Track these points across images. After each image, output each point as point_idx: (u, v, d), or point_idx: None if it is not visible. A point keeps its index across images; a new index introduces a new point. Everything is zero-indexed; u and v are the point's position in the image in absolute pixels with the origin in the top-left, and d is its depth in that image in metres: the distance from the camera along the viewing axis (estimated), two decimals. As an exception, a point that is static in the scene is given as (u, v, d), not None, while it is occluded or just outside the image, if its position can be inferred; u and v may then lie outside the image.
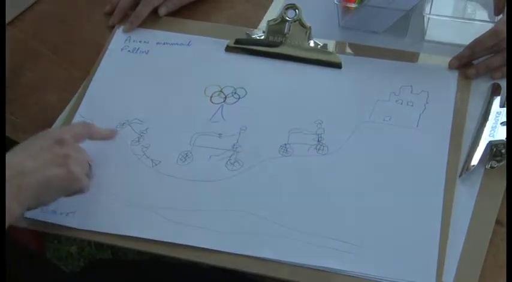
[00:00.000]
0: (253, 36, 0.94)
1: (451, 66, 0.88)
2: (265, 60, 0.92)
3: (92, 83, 0.92)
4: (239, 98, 0.88)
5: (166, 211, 0.77)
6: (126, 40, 0.98)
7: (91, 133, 0.79)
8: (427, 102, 0.85)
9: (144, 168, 0.82)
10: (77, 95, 0.92)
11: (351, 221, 0.74)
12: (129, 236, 0.76)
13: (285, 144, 0.82)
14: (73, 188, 0.72)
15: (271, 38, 0.93)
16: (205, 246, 0.74)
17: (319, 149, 0.81)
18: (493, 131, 0.80)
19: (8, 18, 1.04)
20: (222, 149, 0.82)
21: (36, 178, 0.68)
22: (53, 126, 0.88)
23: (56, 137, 0.73)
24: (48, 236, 1.49)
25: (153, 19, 1.00)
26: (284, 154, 0.81)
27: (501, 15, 0.89)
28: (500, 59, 0.86)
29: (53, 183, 0.70)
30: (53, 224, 0.77)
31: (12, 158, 0.69)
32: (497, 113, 0.82)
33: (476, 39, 0.86)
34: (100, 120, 0.87)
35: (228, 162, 0.81)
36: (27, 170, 0.68)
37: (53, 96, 0.93)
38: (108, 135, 0.82)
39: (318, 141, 0.82)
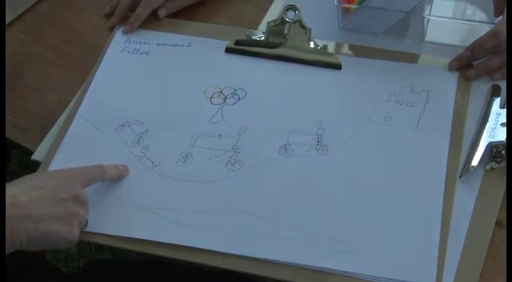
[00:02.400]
0: (253, 37, 0.94)
1: (451, 68, 0.88)
2: (265, 61, 0.92)
3: (92, 84, 0.92)
4: (239, 99, 0.88)
5: (166, 212, 0.77)
6: (126, 41, 0.98)
7: (104, 178, 0.78)
8: (427, 102, 0.85)
9: (144, 170, 0.82)
10: (77, 96, 0.92)
11: (351, 221, 0.74)
12: (129, 237, 0.76)
13: (285, 144, 0.82)
14: (64, 246, 0.72)
15: (271, 39, 0.93)
16: (205, 247, 0.74)
17: (319, 149, 0.81)
18: (493, 132, 0.80)
19: (8, 20, 1.04)
20: (222, 150, 0.82)
21: (36, 228, 0.68)
22: (53, 127, 0.88)
23: (74, 192, 0.71)
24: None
25: (153, 20, 1.00)
26: (284, 154, 0.81)
27: (501, 17, 0.89)
28: (500, 60, 0.86)
29: (50, 238, 0.69)
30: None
31: (23, 194, 0.68)
32: (497, 114, 0.82)
33: (476, 41, 0.87)
34: (100, 122, 0.87)
35: (228, 163, 0.81)
36: (32, 217, 0.68)
37: (53, 97, 0.93)
38: (121, 175, 0.80)
39: (318, 141, 0.82)
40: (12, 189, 0.68)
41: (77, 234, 0.71)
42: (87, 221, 0.74)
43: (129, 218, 0.77)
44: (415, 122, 0.83)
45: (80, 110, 0.89)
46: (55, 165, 0.83)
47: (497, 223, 0.74)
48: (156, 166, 0.82)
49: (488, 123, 0.82)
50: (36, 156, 0.85)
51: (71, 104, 0.91)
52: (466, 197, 0.76)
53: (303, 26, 0.92)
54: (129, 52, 0.96)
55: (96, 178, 0.77)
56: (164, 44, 0.97)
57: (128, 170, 0.81)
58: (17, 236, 0.66)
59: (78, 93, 0.92)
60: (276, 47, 0.93)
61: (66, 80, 0.96)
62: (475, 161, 0.78)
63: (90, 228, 0.76)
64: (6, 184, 0.68)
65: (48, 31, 1.04)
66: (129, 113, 0.88)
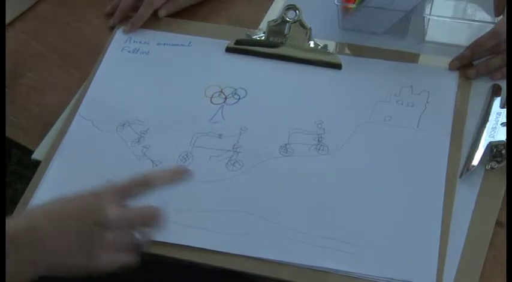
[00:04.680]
0: (254, 37, 0.94)
1: (451, 67, 0.88)
2: (265, 60, 0.93)
3: (92, 83, 0.92)
4: (239, 99, 0.88)
5: (167, 212, 0.77)
6: (126, 41, 0.98)
7: (151, 187, 0.69)
8: (427, 102, 0.85)
9: (144, 169, 0.81)
10: (77, 95, 0.92)
11: (351, 221, 0.74)
12: (129, 237, 0.76)
13: (285, 144, 0.82)
14: (88, 274, 0.65)
15: (271, 39, 0.93)
16: (205, 247, 0.74)
17: (319, 149, 0.81)
18: (493, 132, 0.80)
19: (8, 19, 1.04)
20: (222, 150, 0.82)
21: (57, 261, 0.63)
22: (53, 127, 0.88)
23: (98, 218, 0.64)
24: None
25: (153, 20, 1.00)
26: (284, 154, 0.81)
27: (501, 16, 0.89)
28: (500, 60, 0.86)
29: (71, 271, 0.64)
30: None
31: (41, 224, 0.63)
32: (497, 113, 0.82)
33: (476, 40, 0.87)
34: (100, 121, 0.87)
35: (229, 163, 0.81)
36: (48, 250, 0.63)
37: (53, 97, 0.93)
38: (173, 177, 0.71)
39: (318, 141, 0.82)
40: (33, 212, 0.65)
41: (104, 264, 0.64)
42: (144, 240, 0.67)
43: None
44: (415, 122, 0.83)
45: (80, 110, 0.89)
46: (55, 164, 0.83)
47: (498, 223, 0.74)
48: (156, 166, 0.82)
49: (488, 123, 0.81)
50: (36, 155, 0.85)
51: (71, 104, 0.91)
52: (466, 197, 0.76)
53: (303, 26, 0.92)
54: (129, 52, 0.96)
55: (136, 193, 0.68)
56: (164, 44, 0.97)
57: (184, 170, 0.73)
58: (33, 266, 0.63)
59: (79, 92, 0.92)
60: (277, 46, 0.93)
61: (66, 80, 0.96)
62: (475, 161, 0.78)
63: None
64: (29, 208, 0.67)
65: (49, 31, 1.04)
66: (130, 113, 0.88)
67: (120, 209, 0.65)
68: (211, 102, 0.88)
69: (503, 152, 0.78)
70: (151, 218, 0.68)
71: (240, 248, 0.73)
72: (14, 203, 0.80)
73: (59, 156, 0.84)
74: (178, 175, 0.72)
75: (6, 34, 1.01)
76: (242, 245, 0.73)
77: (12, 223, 0.64)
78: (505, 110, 0.82)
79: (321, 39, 0.93)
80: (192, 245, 0.74)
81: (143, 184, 0.68)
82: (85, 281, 0.81)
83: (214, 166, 0.81)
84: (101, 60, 0.95)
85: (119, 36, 0.99)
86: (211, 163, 0.81)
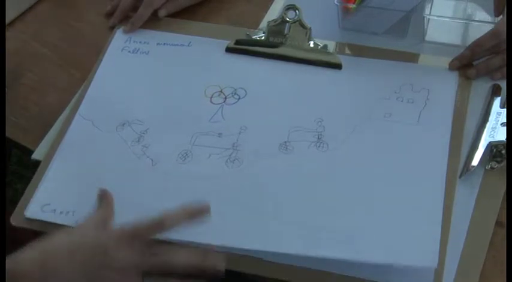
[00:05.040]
0: (254, 37, 0.94)
1: (451, 67, 0.88)
2: (265, 60, 0.92)
3: (92, 83, 0.92)
4: (239, 99, 0.88)
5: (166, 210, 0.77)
6: (126, 41, 0.98)
7: (167, 229, 0.67)
8: (427, 99, 0.85)
9: (143, 168, 0.81)
10: (77, 95, 0.92)
11: (351, 219, 0.74)
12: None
13: (285, 142, 0.82)
14: None
15: (271, 39, 0.93)
16: (205, 242, 0.73)
17: (319, 146, 0.81)
18: (493, 132, 0.80)
19: (8, 19, 1.04)
20: (222, 148, 0.82)
21: None
22: (53, 127, 0.88)
23: (107, 261, 0.64)
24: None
25: (153, 20, 1.00)
26: (284, 152, 0.81)
27: (501, 16, 0.89)
28: (500, 60, 0.86)
29: None
30: (52, 224, 0.77)
31: (54, 262, 0.64)
32: (497, 113, 0.82)
33: (476, 40, 0.87)
34: (100, 121, 0.87)
35: (228, 160, 0.81)
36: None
37: (53, 96, 0.94)
38: (191, 217, 0.69)
39: (318, 138, 0.82)
40: (43, 245, 0.65)
41: None
42: None
43: (129, 216, 0.77)
44: (415, 119, 0.83)
45: (80, 110, 0.89)
46: (55, 164, 0.83)
47: (498, 223, 0.74)
48: (156, 164, 0.82)
49: (488, 123, 0.81)
50: (36, 155, 0.85)
51: (71, 104, 0.91)
52: (466, 197, 0.76)
53: (303, 26, 0.92)
54: (129, 51, 0.96)
55: (151, 235, 0.68)
56: (164, 44, 0.97)
57: (205, 209, 0.70)
58: None
59: (79, 92, 0.92)
60: (276, 46, 0.93)
61: (66, 80, 0.96)
62: (475, 161, 0.78)
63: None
64: (42, 240, 0.66)
65: (49, 31, 1.04)
66: (130, 113, 0.88)
67: (130, 251, 0.65)
68: (211, 102, 0.88)
69: (503, 152, 0.78)
70: (161, 265, 0.67)
71: (239, 243, 0.73)
72: (14, 203, 0.80)
73: (59, 156, 0.84)
74: (195, 214, 0.70)
75: (6, 34, 1.02)
76: (242, 242, 0.73)
77: (27, 257, 0.65)
78: (505, 110, 0.82)
79: (321, 39, 0.93)
80: (192, 240, 0.73)
81: (158, 226, 0.68)
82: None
83: (214, 163, 0.81)
84: (101, 60, 0.95)
85: (118, 36, 0.99)
86: (210, 161, 0.81)
